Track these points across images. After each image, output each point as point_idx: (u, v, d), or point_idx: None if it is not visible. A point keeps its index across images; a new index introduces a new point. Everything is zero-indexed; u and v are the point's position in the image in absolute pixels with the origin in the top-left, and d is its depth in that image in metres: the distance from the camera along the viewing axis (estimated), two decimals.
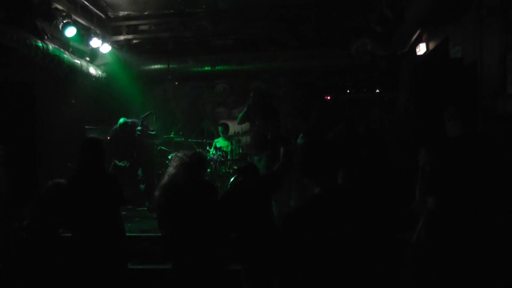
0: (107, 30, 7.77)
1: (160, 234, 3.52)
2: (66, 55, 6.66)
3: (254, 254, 3.36)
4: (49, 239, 3.84)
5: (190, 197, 3.29)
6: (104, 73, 7.98)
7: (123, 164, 6.70)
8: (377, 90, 6.99)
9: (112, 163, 6.65)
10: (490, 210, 2.78)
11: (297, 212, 2.10)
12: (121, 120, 6.89)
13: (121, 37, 7.94)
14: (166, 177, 3.42)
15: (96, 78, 7.82)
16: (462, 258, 2.78)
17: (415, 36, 6.40)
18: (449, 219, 2.88)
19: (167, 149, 7.01)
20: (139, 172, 7.27)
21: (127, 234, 4.12)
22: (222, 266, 3.42)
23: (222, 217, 3.42)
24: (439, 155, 2.95)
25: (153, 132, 7.06)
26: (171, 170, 3.40)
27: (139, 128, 6.80)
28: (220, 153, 6.95)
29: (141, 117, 6.89)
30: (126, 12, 7.69)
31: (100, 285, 3.51)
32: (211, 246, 3.32)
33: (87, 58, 7.62)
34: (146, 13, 7.68)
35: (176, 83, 8.58)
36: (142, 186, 7.30)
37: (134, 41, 8.17)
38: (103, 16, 7.55)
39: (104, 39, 7.32)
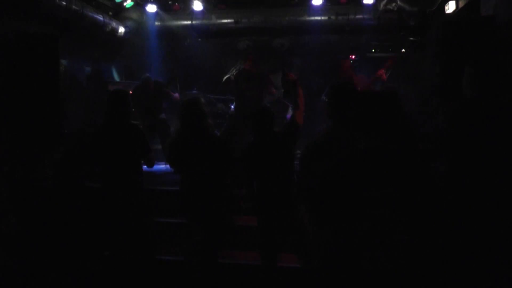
0: None
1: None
2: (89, 9, 6.66)
3: (273, 207, 3.39)
4: (74, 189, 3.99)
5: (196, 150, 3.45)
6: (127, 28, 7.97)
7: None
8: (403, 50, 6.79)
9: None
10: (501, 176, 2.71)
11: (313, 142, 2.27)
12: (145, 76, 6.68)
13: None
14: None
15: (119, 33, 7.84)
16: (473, 223, 2.76)
17: None
18: (460, 186, 2.83)
19: None
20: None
21: (150, 188, 4.22)
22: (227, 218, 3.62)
23: (245, 170, 3.47)
24: (452, 117, 2.88)
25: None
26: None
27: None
28: None
29: (165, 82, 6.75)
30: None
31: (123, 236, 3.65)
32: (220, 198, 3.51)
33: (110, 13, 7.60)
34: None
35: (199, 39, 8.51)
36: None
37: None
38: None
39: None
